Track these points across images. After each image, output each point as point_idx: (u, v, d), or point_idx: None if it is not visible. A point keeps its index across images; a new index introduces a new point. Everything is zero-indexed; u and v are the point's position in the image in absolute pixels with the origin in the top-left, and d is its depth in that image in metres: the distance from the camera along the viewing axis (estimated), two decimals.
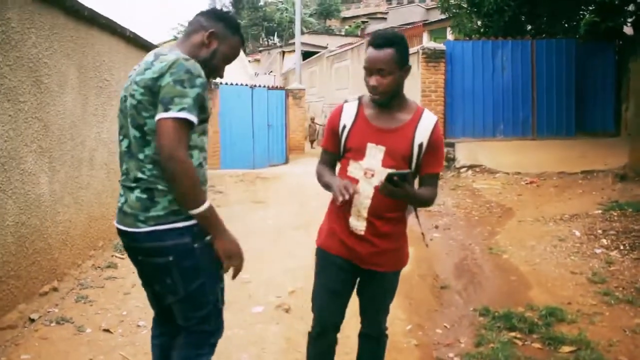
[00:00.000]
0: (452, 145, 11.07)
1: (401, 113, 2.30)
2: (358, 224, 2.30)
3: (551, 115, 11.24)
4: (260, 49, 40.74)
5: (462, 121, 11.26)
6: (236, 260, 2.06)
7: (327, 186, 2.34)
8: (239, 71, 28.70)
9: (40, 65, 3.93)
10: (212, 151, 13.89)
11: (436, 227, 6.92)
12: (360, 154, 2.28)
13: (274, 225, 7.17)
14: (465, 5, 12.77)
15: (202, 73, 1.95)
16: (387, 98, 2.25)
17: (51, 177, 4.09)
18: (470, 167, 10.39)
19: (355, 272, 2.40)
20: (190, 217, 1.95)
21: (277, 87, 18.19)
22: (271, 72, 32.74)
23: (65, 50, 4.35)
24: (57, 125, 4.20)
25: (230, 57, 2.17)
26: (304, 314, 4.03)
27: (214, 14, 2.15)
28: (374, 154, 2.25)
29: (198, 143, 2.02)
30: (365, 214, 2.27)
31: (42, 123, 3.95)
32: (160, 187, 1.96)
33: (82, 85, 4.68)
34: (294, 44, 23.24)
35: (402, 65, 2.22)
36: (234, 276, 2.10)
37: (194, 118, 1.90)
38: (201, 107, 1.95)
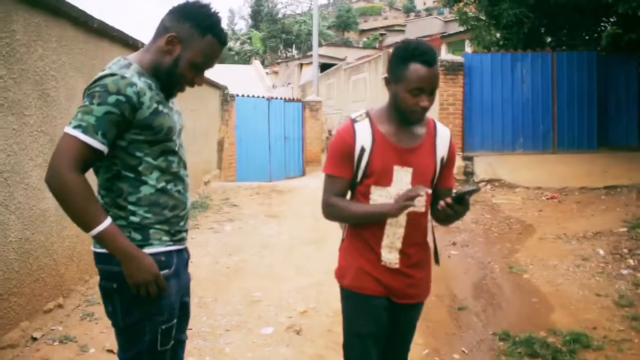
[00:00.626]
0: (470, 159, 10.87)
1: (417, 127, 2.12)
2: (391, 257, 2.10)
3: (572, 128, 10.98)
4: (279, 61, 40.90)
5: (481, 134, 11.05)
6: (144, 288, 1.78)
7: (365, 216, 2.08)
8: (256, 83, 28.82)
9: (47, 78, 3.85)
10: (228, 163, 13.83)
11: (454, 243, 6.72)
12: (386, 179, 2.05)
13: (287, 240, 7.04)
14: (483, 18, 12.59)
15: (128, 90, 1.71)
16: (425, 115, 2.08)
17: None
18: (489, 181, 10.16)
19: (390, 308, 2.18)
20: (142, 246, 1.80)
21: (294, 99, 18.15)
22: (289, 84, 32.80)
23: (74, 62, 4.28)
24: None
25: (201, 64, 1.87)
26: (314, 336, 3.89)
27: (179, 12, 1.84)
28: (402, 177, 2.05)
29: (159, 164, 1.84)
30: (399, 244, 2.08)
31: (48, 137, 3.87)
32: (110, 212, 1.81)
33: None
34: (312, 56, 23.21)
35: None
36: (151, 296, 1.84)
37: (90, 140, 1.68)
38: (142, 126, 1.76)
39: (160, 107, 1.82)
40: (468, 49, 15.81)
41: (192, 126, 9.57)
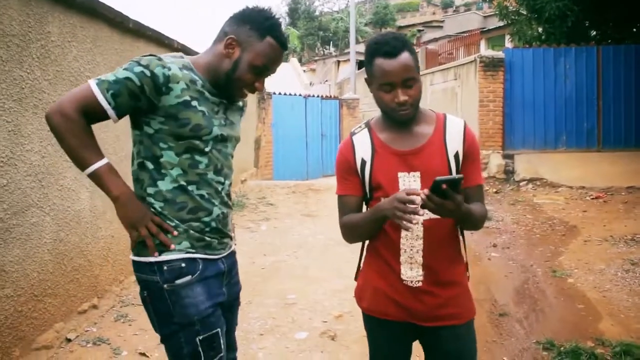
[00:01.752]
0: (511, 157, 10.59)
1: (421, 126, 1.89)
2: (413, 274, 1.85)
3: (619, 125, 10.56)
4: (316, 58, 40.87)
5: (522, 132, 10.74)
6: (138, 229, 1.74)
7: (370, 224, 1.86)
8: (293, 81, 28.84)
9: (82, 79, 3.85)
10: (265, 162, 13.84)
11: (494, 245, 6.52)
12: (392, 189, 1.82)
13: (323, 240, 6.95)
14: (525, 12, 12.26)
15: (157, 69, 1.69)
16: (414, 110, 1.83)
17: (92, 192, 4.01)
18: (531, 180, 9.87)
19: (416, 332, 1.94)
20: (160, 252, 1.75)
21: (331, 96, 18.04)
22: (326, 81, 32.75)
23: (109, 63, 4.28)
24: (100, 140, 4.09)
25: (262, 66, 1.82)
26: (350, 342, 3.78)
27: (239, 16, 1.84)
28: (409, 184, 1.83)
29: (181, 161, 1.77)
30: (420, 258, 1.84)
31: None
32: None
33: None
34: (349, 53, 23.06)
35: (418, 70, 1.83)
36: (132, 245, 1.81)
37: (98, 93, 1.69)
38: (167, 115, 1.73)
39: (194, 103, 1.75)
40: (508, 44, 15.41)
41: None
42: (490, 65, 10.65)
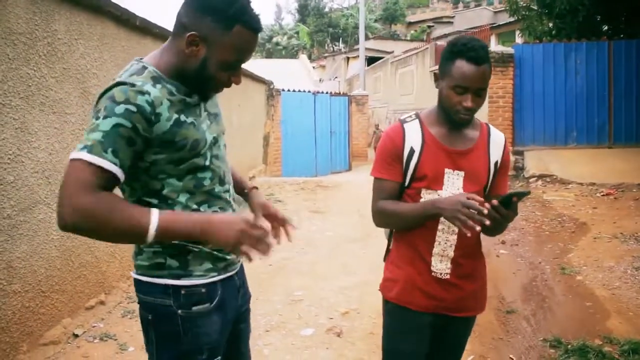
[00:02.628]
0: (520, 153, 10.52)
1: (469, 130, 1.99)
2: (442, 267, 1.95)
3: (630, 121, 10.45)
4: (325, 55, 40.83)
5: (532, 128, 10.66)
6: (246, 240, 1.45)
7: (412, 218, 1.91)
8: (303, 77, 28.83)
9: (89, 76, 3.88)
10: (274, 158, 13.86)
11: (503, 242, 6.47)
12: (437, 183, 1.92)
13: (331, 237, 6.95)
14: (535, 7, 12.16)
15: (138, 99, 1.40)
16: (473, 116, 1.94)
17: None
18: (540, 177, 9.80)
19: (438, 323, 2.02)
20: (180, 276, 1.55)
21: (340, 93, 18.03)
22: (336, 77, 32.72)
23: (116, 60, 4.30)
24: None
25: (235, 61, 1.54)
26: (355, 339, 3.78)
27: (196, 4, 1.50)
28: (453, 181, 1.92)
29: (186, 185, 1.55)
30: (451, 253, 1.93)
31: None
32: None
33: None
34: (358, 49, 23.02)
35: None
36: (265, 253, 1.49)
37: (97, 159, 1.36)
38: (163, 143, 1.47)
39: (183, 117, 1.51)
40: (519, 39, 15.30)
41: (237, 121, 9.61)
42: (499, 61, 10.57)
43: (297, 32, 47.82)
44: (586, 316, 4.23)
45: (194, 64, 1.51)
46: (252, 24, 1.51)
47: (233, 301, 1.73)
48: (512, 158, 10.38)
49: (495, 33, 20.58)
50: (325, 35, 45.98)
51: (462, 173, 1.93)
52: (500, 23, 21.90)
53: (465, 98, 1.83)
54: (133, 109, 1.39)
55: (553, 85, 10.60)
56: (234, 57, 1.52)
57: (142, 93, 1.42)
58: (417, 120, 1.99)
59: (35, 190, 3.27)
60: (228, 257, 1.67)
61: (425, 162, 1.92)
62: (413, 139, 1.95)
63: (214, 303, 1.61)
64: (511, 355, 3.62)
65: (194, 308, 1.57)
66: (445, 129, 1.96)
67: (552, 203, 8.35)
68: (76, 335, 3.58)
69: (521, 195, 1.75)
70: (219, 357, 1.67)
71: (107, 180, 1.39)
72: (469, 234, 1.73)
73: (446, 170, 1.92)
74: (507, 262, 5.75)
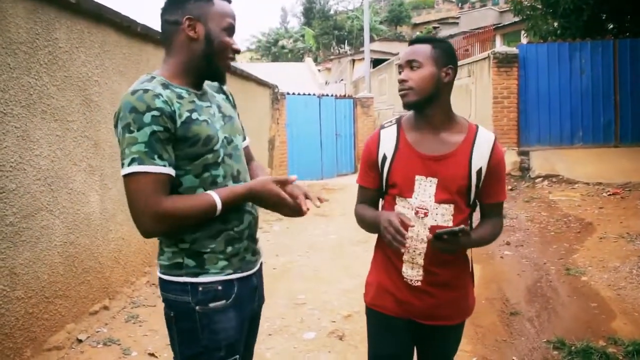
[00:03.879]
0: (526, 154, 10.48)
1: (451, 134, 1.90)
2: (413, 273, 1.91)
3: (637, 120, 10.36)
4: (331, 57, 40.83)
5: (537, 128, 10.61)
6: (287, 205, 1.69)
7: (372, 227, 1.94)
8: (308, 80, 28.85)
9: (90, 84, 3.91)
10: (280, 162, 13.87)
11: (507, 243, 6.45)
12: (407, 190, 1.88)
13: (335, 240, 6.96)
14: (539, 6, 12.11)
15: (156, 102, 1.53)
16: (420, 101, 1.85)
17: (102, 195, 4.06)
18: (546, 177, 9.75)
19: (414, 329, 2.00)
20: (197, 274, 1.65)
21: (345, 95, 18.03)
22: (342, 80, 32.70)
23: (117, 67, 4.33)
24: (109, 143, 4.17)
25: (229, 25, 1.69)
26: (358, 342, 3.78)
27: (173, 1, 1.68)
28: (425, 188, 1.86)
29: (203, 181, 1.65)
30: (421, 261, 1.89)
31: (92, 141, 3.93)
32: (160, 240, 1.71)
33: None
34: (364, 51, 23.02)
35: (440, 64, 1.85)
36: (318, 200, 1.76)
37: (150, 167, 1.51)
38: (178, 139, 1.58)
39: (195, 115, 1.62)
40: (524, 40, 15.25)
41: (242, 125, 9.62)
42: (504, 62, 10.54)
43: (303, 35, 47.86)
44: (591, 317, 4.21)
45: (198, 46, 1.66)
46: None
47: (249, 301, 1.81)
48: (517, 159, 10.35)
49: (500, 33, 20.52)
50: (331, 37, 45.99)
51: (434, 180, 1.86)
52: (506, 23, 21.85)
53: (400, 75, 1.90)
54: (157, 113, 1.53)
55: (558, 85, 10.55)
56: (226, 21, 1.69)
57: (156, 95, 1.55)
58: (395, 126, 1.97)
59: (38, 198, 3.30)
60: (244, 252, 1.75)
61: (396, 168, 1.90)
62: (387, 144, 1.94)
63: (230, 300, 1.69)
64: (514, 357, 3.61)
65: (211, 304, 1.66)
66: (423, 133, 1.91)
67: (558, 203, 8.31)
68: (80, 341, 3.61)
69: (452, 233, 1.73)
70: (237, 356, 1.73)
71: (164, 182, 1.56)
72: (394, 246, 1.74)
73: (417, 177, 1.87)
74: (512, 263, 5.73)
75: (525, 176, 10.14)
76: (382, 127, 2.00)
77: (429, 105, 1.87)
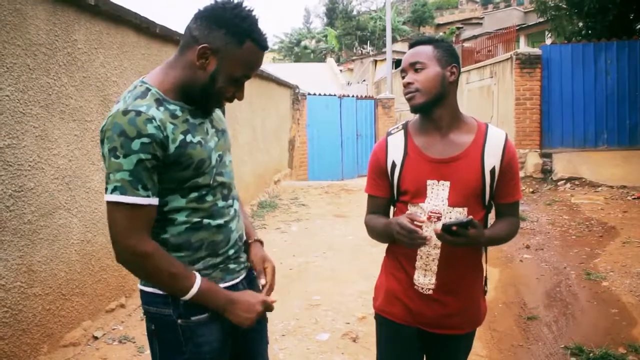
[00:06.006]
0: (549, 156, 10.34)
1: (460, 135, 1.85)
2: (425, 281, 1.85)
3: None
4: (353, 58, 40.75)
5: (561, 130, 10.46)
6: (252, 324, 1.64)
7: (384, 236, 1.88)
8: (330, 81, 28.85)
9: (109, 84, 3.96)
10: (300, 162, 13.90)
11: (527, 246, 6.37)
12: (419, 195, 1.82)
13: (353, 241, 6.93)
14: (564, 6, 11.94)
15: (149, 128, 1.44)
16: (427, 103, 1.80)
17: None
18: (569, 179, 9.61)
19: (424, 338, 1.95)
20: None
21: (366, 96, 17.99)
22: (364, 81, 32.62)
23: (136, 67, 4.38)
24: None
25: (241, 76, 1.57)
26: (371, 344, 3.76)
27: (208, 17, 1.51)
28: (437, 193, 1.81)
29: (188, 203, 1.58)
30: (434, 267, 1.83)
31: None
32: None
33: None
34: (386, 52, 22.92)
35: (444, 64, 1.81)
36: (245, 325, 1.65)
37: (133, 199, 1.45)
38: (168, 163, 1.50)
39: (189, 137, 1.54)
40: (549, 40, 15.04)
41: (262, 126, 9.67)
42: (527, 63, 10.42)
43: (325, 36, 47.89)
44: (611, 324, 4.13)
45: (202, 77, 1.53)
46: (261, 41, 1.55)
47: None
48: (540, 161, 10.21)
49: (524, 34, 20.27)
50: (353, 38, 45.92)
51: (447, 183, 1.80)
52: (530, 24, 21.56)
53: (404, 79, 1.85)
54: (147, 140, 1.44)
55: (582, 86, 10.38)
56: (242, 71, 1.55)
57: (149, 120, 1.46)
58: (402, 132, 1.92)
59: (56, 196, 3.35)
60: (230, 265, 1.70)
61: (407, 175, 1.85)
62: (395, 151, 1.89)
63: (212, 311, 1.61)
64: None
65: (193, 318, 1.59)
66: (431, 136, 1.86)
67: (581, 207, 8.18)
68: (96, 338, 3.66)
69: (461, 225, 1.65)
70: None
71: (147, 213, 1.50)
72: (415, 245, 1.71)
73: (429, 181, 1.82)
74: (531, 267, 5.65)
75: (547, 179, 10.00)
76: (389, 133, 1.95)
77: (437, 107, 1.82)
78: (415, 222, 1.70)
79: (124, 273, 4.17)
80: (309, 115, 14.30)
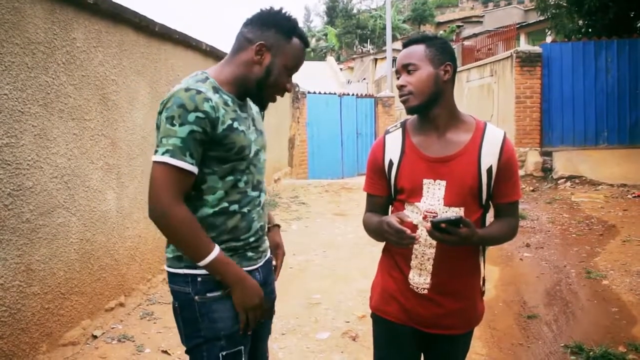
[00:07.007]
0: (549, 154, 10.34)
1: (457, 133, 1.83)
2: (420, 280, 1.84)
3: None
4: (354, 56, 40.74)
5: (561, 128, 10.46)
6: (252, 312, 1.75)
7: (378, 234, 1.85)
8: (330, 79, 28.83)
9: (108, 83, 3.95)
10: (300, 161, 13.90)
11: (527, 245, 6.36)
12: (415, 194, 1.82)
13: (353, 240, 6.94)
14: (564, 4, 11.92)
15: (205, 106, 1.63)
16: (422, 104, 1.80)
17: (119, 193, 4.10)
18: (569, 178, 9.60)
19: (420, 337, 1.93)
20: (195, 267, 1.71)
21: (366, 95, 17.97)
22: (364, 79, 32.62)
23: (135, 66, 4.37)
24: (126, 142, 4.22)
25: (293, 67, 1.81)
26: (371, 343, 3.73)
27: (259, 21, 1.78)
28: (433, 192, 1.80)
29: (225, 184, 1.73)
30: (429, 267, 1.82)
31: (109, 140, 3.97)
32: None
33: (154, 100, 4.69)
34: (386, 50, 22.90)
35: (437, 63, 1.79)
36: (249, 328, 1.77)
37: (180, 163, 1.62)
38: (215, 142, 1.67)
39: (235, 124, 1.72)
40: (549, 38, 15.01)
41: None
42: (527, 61, 10.41)
43: (326, 34, 47.90)
44: (611, 322, 4.12)
45: (258, 71, 1.76)
46: (305, 38, 1.83)
47: None
48: (540, 159, 10.20)
49: (524, 32, 20.24)
50: (354, 36, 45.92)
51: (443, 182, 1.79)
52: (530, 22, 21.54)
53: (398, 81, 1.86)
54: (202, 115, 1.62)
55: (583, 84, 10.38)
56: (292, 63, 1.80)
57: (207, 100, 1.65)
58: (400, 130, 1.91)
59: (54, 195, 3.35)
60: (248, 253, 1.81)
61: (404, 173, 1.84)
62: (393, 149, 1.88)
63: (227, 290, 1.73)
64: None
65: (209, 294, 1.73)
66: (428, 135, 1.85)
67: (581, 205, 8.18)
68: (95, 337, 3.65)
69: (450, 222, 1.64)
70: (242, 348, 1.78)
71: (187, 179, 1.66)
72: (403, 244, 1.70)
73: (425, 180, 1.81)
74: (531, 265, 5.65)
75: (547, 177, 10.00)
76: (387, 132, 1.95)
77: (433, 107, 1.81)
78: (405, 222, 1.71)
79: (123, 272, 4.17)
80: (309, 114, 14.29)
